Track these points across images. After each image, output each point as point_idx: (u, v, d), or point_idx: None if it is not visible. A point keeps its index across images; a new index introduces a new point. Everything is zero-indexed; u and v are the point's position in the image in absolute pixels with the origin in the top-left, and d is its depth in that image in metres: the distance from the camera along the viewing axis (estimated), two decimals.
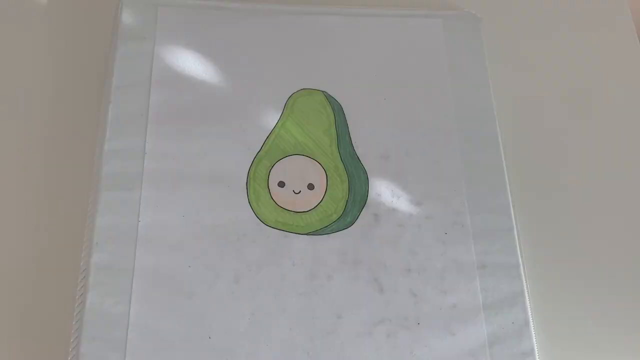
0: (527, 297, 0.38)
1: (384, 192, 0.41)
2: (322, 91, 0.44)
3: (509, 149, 0.43)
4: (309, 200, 0.40)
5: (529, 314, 0.37)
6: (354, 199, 0.40)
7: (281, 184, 0.41)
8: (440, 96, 0.44)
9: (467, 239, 0.39)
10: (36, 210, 0.40)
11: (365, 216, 0.40)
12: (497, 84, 0.45)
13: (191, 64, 0.44)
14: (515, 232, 0.40)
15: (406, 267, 0.38)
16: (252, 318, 0.36)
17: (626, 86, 0.48)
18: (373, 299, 0.37)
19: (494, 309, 0.37)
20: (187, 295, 0.36)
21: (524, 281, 0.38)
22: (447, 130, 0.43)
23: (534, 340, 0.37)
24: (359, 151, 0.42)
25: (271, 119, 0.43)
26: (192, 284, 0.37)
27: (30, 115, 0.43)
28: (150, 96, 0.42)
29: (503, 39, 0.49)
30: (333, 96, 0.44)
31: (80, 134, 0.42)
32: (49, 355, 0.36)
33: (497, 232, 0.40)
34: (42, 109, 0.44)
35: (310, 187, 0.41)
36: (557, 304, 0.40)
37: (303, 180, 0.41)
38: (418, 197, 0.40)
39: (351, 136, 0.43)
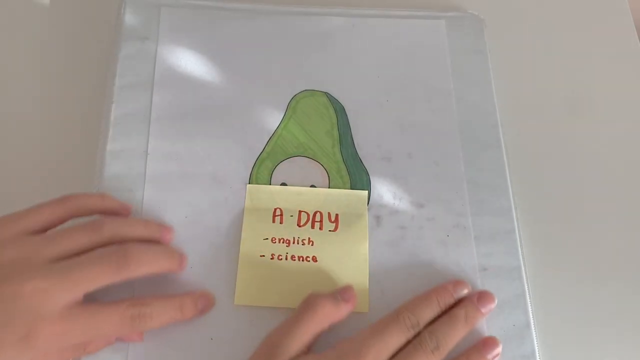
0: (528, 300, 0.38)
1: (386, 194, 0.41)
2: (325, 92, 0.45)
3: (510, 150, 0.44)
4: None
5: (531, 316, 0.38)
6: None
7: (283, 186, 0.41)
8: (443, 98, 0.45)
9: (469, 241, 0.40)
10: None
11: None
12: (499, 86, 0.46)
13: (193, 64, 0.45)
14: (517, 234, 0.40)
15: (408, 269, 0.39)
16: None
17: (626, 86, 0.49)
18: (375, 300, 0.38)
19: (495, 311, 0.38)
20: None
21: (525, 283, 0.39)
22: (450, 132, 0.43)
23: (535, 342, 0.37)
24: (361, 153, 0.42)
25: (273, 120, 0.44)
26: (194, 285, 0.37)
27: (33, 116, 0.44)
28: (153, 96, 0.43)
29: (504, 40, 0.49)
30: (335, 97, 0.44)
31: (83, 134, 0.43)
32: None
33: (498, 235, 0.40)
34: (44, 109, 0.44)
35: (313, 187, 0.41)
36: (558, 306, 0.40)
37: (305, 181, 0.41)
38: (420, 199, 0.41)
39: (353, 138, 0.43)
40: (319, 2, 0.48)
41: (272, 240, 0.39)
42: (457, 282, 0.38)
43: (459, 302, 0.37)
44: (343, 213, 0.40)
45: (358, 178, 0.42)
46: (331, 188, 0.41)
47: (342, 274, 0.38)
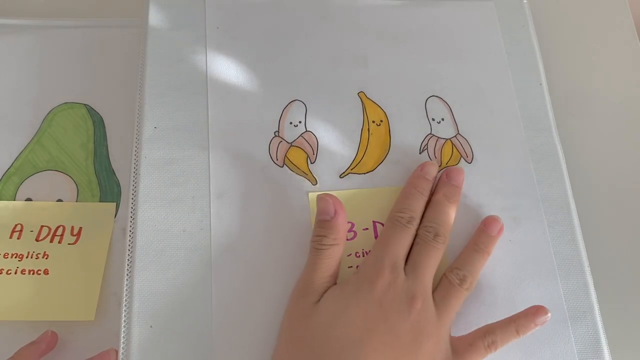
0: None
1: None
2: (85, 104, 0.45)
3: None
4: None
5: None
6: None
7: (28, 201, 0.41)
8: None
9: None
10: None
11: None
12: None
13: None
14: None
15: None
16: None
17: (626, 86, 0.50)
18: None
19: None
20: None
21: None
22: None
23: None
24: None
25: (27, 134, 0.44)
26: None
27: None
28: None
29: None
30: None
31: None
32: None
33: None
34: None
35: (59, 202, 0.42)
36: None
37: (52, 196, 0.42)
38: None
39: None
40: None
41: (4, 255, 0.39)
42: (423, 166, 0.40)
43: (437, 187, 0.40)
44: (88, 226, 0.41)
45: (109, 190, 0.43)
46: (80, 201, 0.42)
47: (73, 284, 0.39)
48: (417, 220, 0.38)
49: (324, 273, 0.35)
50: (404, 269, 0.36)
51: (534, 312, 0.36)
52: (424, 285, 0.35)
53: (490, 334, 0.35)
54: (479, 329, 0.36)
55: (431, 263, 0.36)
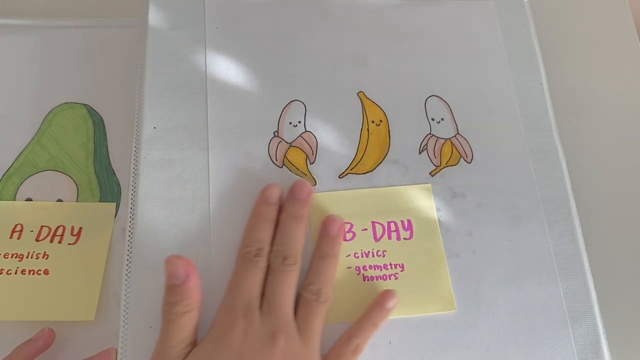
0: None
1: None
2: (85, 104, 0.45)
3: None
4: None
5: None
6: None
7: (28, 201, 0.41)
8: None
9: None
10: None
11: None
12: None
13: None
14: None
15: None
16: None
17: (626, 86, 0.50)
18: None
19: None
20: None
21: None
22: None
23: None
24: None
25: (27, 134, 0.44)
26: None
27: None
28: None
29: None
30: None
31: None
32: None
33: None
34: None
35: (59, 202, 0.42)
36: None
37: (52, 196, 0.42)
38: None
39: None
40: None
41: (4, 256, 0.39)
42: (263, 190, 0.38)
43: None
44: (88, 226, 0.41)
45: (109, 190, 0.43)
46: (80, 201, 0.42)
47: (73, 284, 0.39)
48: (267, 249, 0.36)
49: (178, 345, 0.33)
50: (262, 305, 0.34)
51: (382, 300, 0.36)
52: (283, 318, 0.34)
53: (353, 338, 0.35)
54: (341, 337, 0.35)
55: (285, 290, 0.34)
